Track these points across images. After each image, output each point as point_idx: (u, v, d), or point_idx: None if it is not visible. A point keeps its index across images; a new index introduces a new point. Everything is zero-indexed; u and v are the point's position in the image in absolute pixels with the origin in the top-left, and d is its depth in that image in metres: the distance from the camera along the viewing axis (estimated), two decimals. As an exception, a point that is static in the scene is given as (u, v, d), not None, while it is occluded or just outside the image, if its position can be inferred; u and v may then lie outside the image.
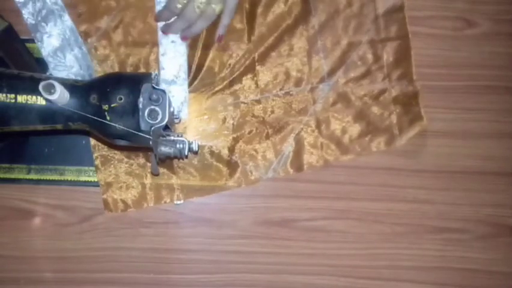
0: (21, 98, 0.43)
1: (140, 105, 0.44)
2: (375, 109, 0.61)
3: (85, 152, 0.59)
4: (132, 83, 0.45)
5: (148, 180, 0.59)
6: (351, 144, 0.60)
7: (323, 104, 0.60)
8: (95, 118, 0.44)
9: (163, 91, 0.45)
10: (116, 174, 0.59)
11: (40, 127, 0.46)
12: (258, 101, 0.60)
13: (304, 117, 0.60)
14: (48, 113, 0.44)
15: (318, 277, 0.60)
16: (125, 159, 0.59)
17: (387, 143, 0.60)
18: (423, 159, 0.62)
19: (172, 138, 0.52)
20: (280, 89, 0.61)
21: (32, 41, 0.59)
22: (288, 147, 0.60)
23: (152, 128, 0.44)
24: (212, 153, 0.59)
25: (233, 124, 0.60)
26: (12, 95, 0.43)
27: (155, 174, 0.57)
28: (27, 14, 0.58)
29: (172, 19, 0.59)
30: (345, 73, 0.61)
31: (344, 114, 0.60)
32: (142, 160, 0.59)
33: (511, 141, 0.62)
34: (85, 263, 0.59)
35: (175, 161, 0.59)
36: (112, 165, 0.59)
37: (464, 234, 0.61)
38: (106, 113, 0.44)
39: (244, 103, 0.60)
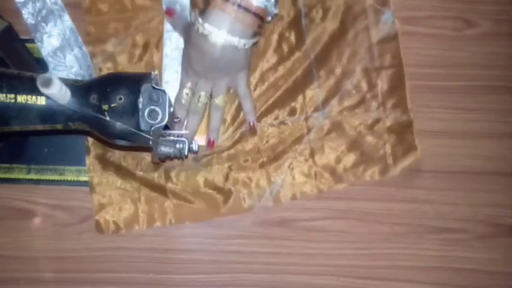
0: (21, 98, 0.43)
1: (140, 105, 0.44)
2: (369, 139, 0.60)
3: (85, 152, 0.59)
4: (132, 83, 0.45)
5: (142, 203, 0.59)
6: (345, 174, 0.60)
7: (317, 133, 0.60)
8: (95, 118, 0.44)
9: (163, 91, 0.45)
10: (110, 196, 0.58)
11: (40, 127, 0.46)
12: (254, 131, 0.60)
13: (298, 146, 0.60)
14: (48, 113, 0.44)
15: (317, 277, 0.60)
16: (120, 181, 0.59)
17: (381, 173, 0.60)
18: (423, 159, 0.62)
19: (172, 138, 0.52)
20: (275, 118, 0.60)
21: (32, 41, 0.59)
22: (282, 175, 0.60)
23: (152, 128, 0.44)
24: (206, 180, 0.59)
25: (227, 153, 0.60)
26: (12, 95, 0.43)
27: (154, 163, 0.58)
28: (27, 14, 0.58)
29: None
30: (340, 102, 0.61)
31: (338, 143, 0.60)
32: (136, 184, 0.59)
33: (511, 141, 0.62)
34: (85, 263, 0.59)
35: (169, 185, 0.59)
36: (107, 186, 0.58)
37: (464, 234, 0.61)
38: (106, 113, 0.44)
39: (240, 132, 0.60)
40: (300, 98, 0.60)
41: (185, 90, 0.57)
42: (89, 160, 0.58)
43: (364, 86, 0.61)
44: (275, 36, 0.61)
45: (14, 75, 0.44)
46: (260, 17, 0.52)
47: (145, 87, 0.45)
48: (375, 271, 0.60)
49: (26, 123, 0.45)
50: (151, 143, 0.46)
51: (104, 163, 0.59)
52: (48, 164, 0.59)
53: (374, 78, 0.61)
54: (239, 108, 0.60)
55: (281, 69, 0.61)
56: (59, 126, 0.46)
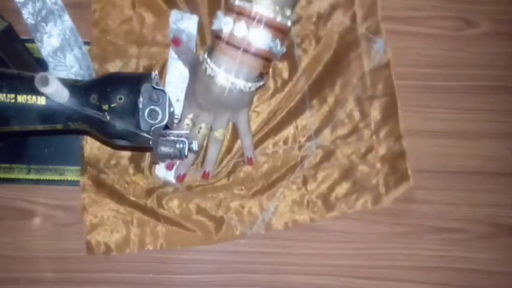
0: (21, 98, 0.43)
1: (140, 105, 0.44)
2: (362, 168, 0.60)
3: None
4: (132, 83, 0.45)
5: (134, 226, 0.58)
6: (338, 202, 0.60)
7: (310, 162, 0.60)
8: (95, 118, 0.44)
9: (163, 91, 0.45)
10: (102, 217, 0.58)
11: (40, 127, 0.46)
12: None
13: (291, 175, 0.60)
14: (48, 113, 0.44)
15: (317, 277, 0.60)
16: (113, 203, 0.58)
17: (374, 202, 0.60)
18: (423, 159, 0.62)
19: (172, 138, 0.52)
20: (269, 148, 0.60)
21: (32, 41, 0.59)
22: (274, 203, 0.59)
23: (152, 128, 0.44)
24: (199, 207, 0.59)
25: (221, 183, 0.60)
26: (12, 95, 0.43)
27: (154, 163, 0.58)
28: (27, 14, 0.58)
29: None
30: (333, 131, 0.61)
31: (330, 172, 0.60)
32: (129, 208, 0.59)
33: (510, 141, 0.63)
34: (85, 263, 0.59)
35: (161, 211, 0.59)
36: (100, 207, 0.58)
37: (464, 234, 0.61)
38: (106, 113, 0.44)
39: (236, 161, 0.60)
40: (293, 127, 0.61)
41: (187, 121, 0.57)
42: (84, 180, 0.58)
43: (357, 115, 0.61)
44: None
45: (14, 75, 0.44)
46: (266, 58, 0.52)
47: (145, 87, 0.45)
48: (375, 271, 0.60)
49: (26, 123, 0.45)
50: (151, 143, 0.46)
51: (98, 184, 0.58)
52: (48, 164, 0.59)
53: (366, 107, 0.61)
54: (233, 138, 0.60)
55: (274, 100, 0.61)
56: (59, 126, 0.46)
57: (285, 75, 0.61)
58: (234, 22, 0.50)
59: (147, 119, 0.44)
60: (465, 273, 0.61)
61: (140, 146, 0.48)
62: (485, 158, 0.62)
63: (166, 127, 0.48)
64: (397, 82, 0.62)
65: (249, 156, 0.59)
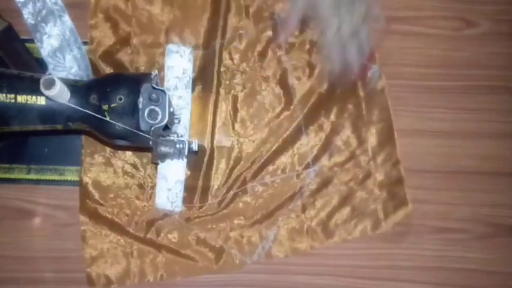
0: (21, 98, 0.43)
1: (140, 105, 0.44)
2: (360, 194, 0.60)
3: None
4: (132, 83, 0.45)
5: (134, 257, 0.58)
6: (337, 229, 0.60)
7: (309, 189, 0.60)
8: (95, 118, 0.44)
9: (163, 91, 0.45)
10: (102, 249, 0.58)
11: (40, 127, 0.46)
12: (245, 191, 0.60)
13: (290, 203, 0.60)
14: (48, 113, 0.44)
15: (318, 277, 0.60)
16: (113, 235, 0.58)
17: (373, 228, 0.60)
18: (423, 159, 0.62)
19: (172, 138, 0.52)
20: (267, 177, 0.60)
21: (32, 41, 0.59)
22: (274, 232, 0.59)
23: (152, 128, 0.44)
24: (198, 239, 0.59)
25: (221, 213, 0.60)
26: (12, 95, 0.43)
27: (154, 163, 0.58)
28: (27, 14, 0.58)
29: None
30: (330, 158, 0.61)
31: (329, 199, 0.60)
32: (129, 239, 0.58)
33: (510, 141, 0.63)
34: (85, 263, 0.59)
35: (161, 242, 0.58)
36: (99, 240, 0.58)
37: (464, 234, 0.61)
38: (106, 113, 0.44)
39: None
40: (290, 156, 0.61)
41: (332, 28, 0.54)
42: (82, 216, 0.58)
43: (354, 141, 0.61)
44: (264, 96, 0.61)
45: (14, 75, 0.44)
46: None
47: (145, 87, 0.45)
48: (375, 271, 0.60)
49: (26, 123, 0.45)
50: (151, 143, 0.46)
51: (97, 217, 0.58)
52: (48, 164, 0.59)
53: (363, 133, 0.61)
54: (232, 168, 0.60)
55: (269, 129, 0.61)
56: (59, 127, 0.46)
57: (281, 103, 0.61)
58: None
59: (147, 119, 0.44)
60: (464, 273, 0.61)
61: (140, 146, 0.48)
62: (485, 158, 0.62)
63: (166, 127, 0.48)
64: (397, 82, 0.62)
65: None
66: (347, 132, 0.61)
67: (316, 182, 0.60)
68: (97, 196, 0.58)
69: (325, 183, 0.60)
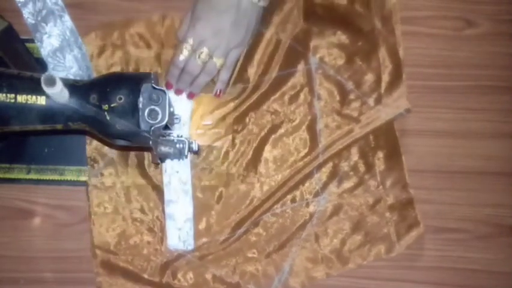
0: (21, 98, 0.43)
1: (140, 105, 0.44)
2: (372, 218, 0.60)
3: (85, 152, 0.59)
4: (132, 83, 0.45)
5: None
6: (351, 255, 0.59)
7: (320, 217, 0.60)
8: (95, 118, 0.44)
9: (163, 91, 0.45)
10: None
11: (40, 127, 0.46)
12: (257, 223, 0.60)
13: (302, 233, 0.59)
14: (48, 113, 0.44)
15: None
16: (129, 283, 0.58)
17: (387, 251, 0.60)
18: (423, 159, 0.62)
19: (172, 138, 0.52)
20: (277, 208, 0.60)
21: (32, 41, 0.59)
22: (289, 262, 0.59)
23: (152, 128, 0.44)
24: (214, 276, 0.59)
25: (234, 247, 0.59)
26: (12, 95, 0.43)
27: (155, 163, 0.57)
28: (27, 13, 0.58)
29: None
30: (339, 185, 0.60)
31: (341, 226, 0.60)
32: (145, 286, 0.58)
33: (511, 141, 0.62)
34: (85, 263, 0.59)
35: (177, 283, 0.58)
36: None
37: (464, 234, 0.61)
38: (106, 113, 0.44)
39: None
40: (299, 185, 0.60)
41: (187, 46, 0.55)
42: (96, 267, 0.58)
43: (361, 167, 0.61)
44: (289, 140, 0.60)
45: (14, 75, 0.44)
46: None
47: (145, 87, 0.45)
48: (375, 271, 0.60)
49: (26, 123, 0.45)
50: (151, 143, 0.46)
51: (111, 267, 0.58)
52: (48, 164, 0.59)
53: (371, 158, 0.60)
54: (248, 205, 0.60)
55: (288, 172, 0.60)
56: (59, 126, 0.46)
57: (305, 147, 0.60)
58: None
59: (147, 119, 0.44)
60: (466, 273, 0.61)
61: (140, 146, 0.48)
62: (486, 158, 0.62)
63: (166, 127, 0.48)
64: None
65: (219, 90, 0.59)
66: (354, 158, 0.61)
67: (327, 210, 0.60)
68: (108, 246, 0.58)
69: (335, 210, 0.60)
